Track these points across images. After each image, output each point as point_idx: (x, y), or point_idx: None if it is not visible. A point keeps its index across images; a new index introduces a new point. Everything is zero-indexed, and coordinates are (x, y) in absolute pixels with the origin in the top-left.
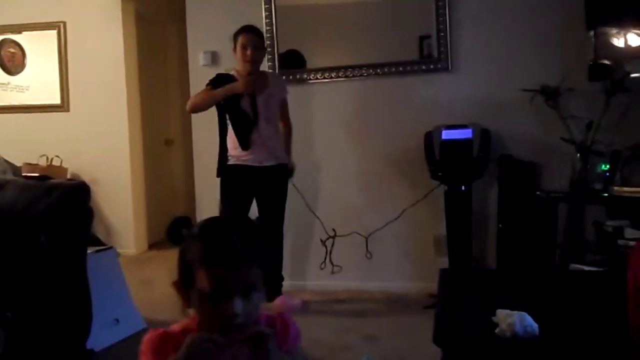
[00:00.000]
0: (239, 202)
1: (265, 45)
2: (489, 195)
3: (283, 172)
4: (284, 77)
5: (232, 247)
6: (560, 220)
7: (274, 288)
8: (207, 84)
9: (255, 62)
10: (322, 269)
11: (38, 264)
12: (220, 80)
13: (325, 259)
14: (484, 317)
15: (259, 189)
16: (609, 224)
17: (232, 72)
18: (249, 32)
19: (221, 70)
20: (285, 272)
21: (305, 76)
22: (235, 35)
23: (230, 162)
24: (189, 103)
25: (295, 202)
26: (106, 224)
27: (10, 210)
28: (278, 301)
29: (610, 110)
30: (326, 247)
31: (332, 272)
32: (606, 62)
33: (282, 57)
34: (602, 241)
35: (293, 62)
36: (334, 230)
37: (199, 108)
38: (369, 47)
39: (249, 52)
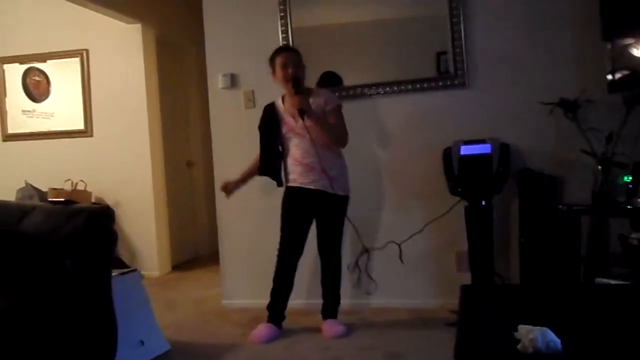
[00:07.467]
0: (295, 222)
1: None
2: (510, 210)
3: (334, 202)
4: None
5: None
6: (583, 233)
7: (329, 310)
8: (259, 125)
9: (299, 79)
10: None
11: (64, 287)
12: (266, 113)
13: (359, 277)
14: (505, 333)
15: (311, 210)
16: (634, 236)
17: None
18: (287, 51)
19: (239, 92)
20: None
21: None
22: (272, 58)
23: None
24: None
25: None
26: (130, 246)
27: (36, 235)
28: (325, 326)
29: (630, 122)
30: (359, 268)
31: (368, 293)
32: (625, 73)
33: (320, 78)
34: (627, 254)
35: (331, 84)
36: (366, 248)
37: None
38: (386, 65)
39: (290, 70)
